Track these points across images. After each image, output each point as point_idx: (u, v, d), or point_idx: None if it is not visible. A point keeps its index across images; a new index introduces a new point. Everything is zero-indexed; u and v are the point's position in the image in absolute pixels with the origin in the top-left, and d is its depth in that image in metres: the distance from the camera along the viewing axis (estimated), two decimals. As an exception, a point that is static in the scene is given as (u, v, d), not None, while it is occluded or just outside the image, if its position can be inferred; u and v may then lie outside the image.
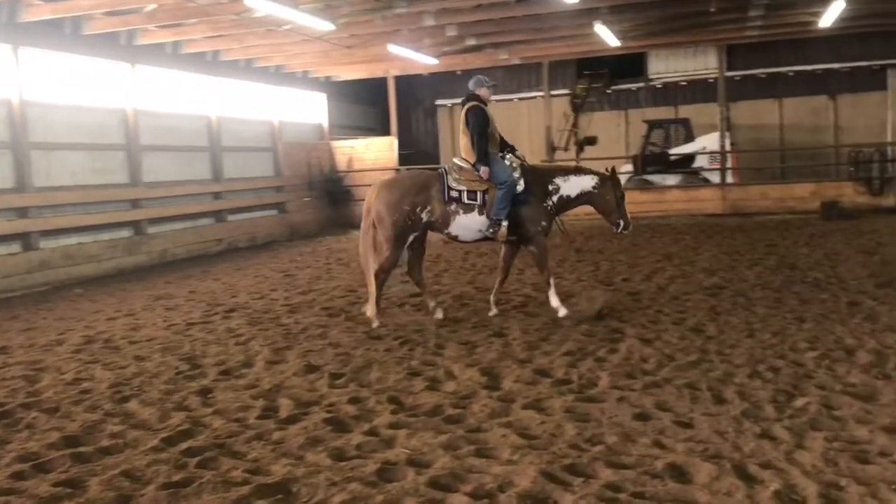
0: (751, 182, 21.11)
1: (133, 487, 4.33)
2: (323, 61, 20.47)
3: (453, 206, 8.20)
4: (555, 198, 8.40)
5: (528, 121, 26.34)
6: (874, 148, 19.93)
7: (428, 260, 10.70)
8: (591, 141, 23.12)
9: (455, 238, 8.53)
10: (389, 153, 23.19)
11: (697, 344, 6.94)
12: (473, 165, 8.22)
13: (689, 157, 22.08)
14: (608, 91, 25.57)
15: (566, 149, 22.79)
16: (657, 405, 5.29)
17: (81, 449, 4.96)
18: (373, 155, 23.12)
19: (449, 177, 8.25)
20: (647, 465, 4.27)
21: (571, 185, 8.44)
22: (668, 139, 23.50)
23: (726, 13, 16.62)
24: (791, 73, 24.96)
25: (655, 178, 21.80)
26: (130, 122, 15.59)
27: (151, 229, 15.85)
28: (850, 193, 18.80)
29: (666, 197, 20.64)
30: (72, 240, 13.92)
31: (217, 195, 18.36)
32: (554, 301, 8.30)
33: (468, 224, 8.27)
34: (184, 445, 4.93)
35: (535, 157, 20.15)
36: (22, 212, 13.14)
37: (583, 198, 8.50)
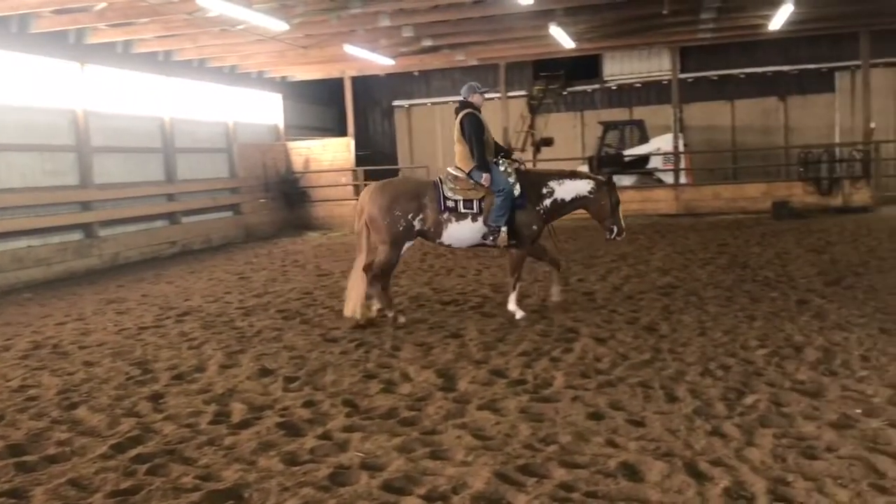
0: (704, 183, 21.42)
1: (79, 496, 4.24)
2: (278, 61, 20.27)
3: (446, 216, 8.14)
4: (548, 201, 8.36)
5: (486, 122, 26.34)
6: (823, 149, 20.37)
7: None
8: (548, 142, 23.33)
9: (448, 247, 8.54)
10: (346, 154, 23.03)
11: (651, 343, 7.03)
12: (469, 174, 8.17)
13: (644, 158, 22.38)
14: (564, 93, 25.82)
15: (523, 150, 22.90)
16: (611, 404, 5.34)
17: (26, 458, 4.84)
18: (329, 156, 22.92)
19: (444, 187, 8.19)
20: (601, 465, 4.31)
21: (566, 189, 8.43)
22: (623, 140, 23.78)
23: (679, 16, 16.83)
24: (742, 76, 25.39)
25: (611, 179, 21.96)
26: (81, 123, 15.26)
27: (103, 232, 15.50)
28: (799, 193, 19.20)
29: (621, 197, 20.72)
30: (21, 243, 13.52)
31: (170, 197, 18.03)
32: (511, 305, 8.36)
33: (461, 232, 8.22)
34: (133, 452, 4.85)
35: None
36: (-32, 215, 12.80)
37: (577, 202, 8.50)
